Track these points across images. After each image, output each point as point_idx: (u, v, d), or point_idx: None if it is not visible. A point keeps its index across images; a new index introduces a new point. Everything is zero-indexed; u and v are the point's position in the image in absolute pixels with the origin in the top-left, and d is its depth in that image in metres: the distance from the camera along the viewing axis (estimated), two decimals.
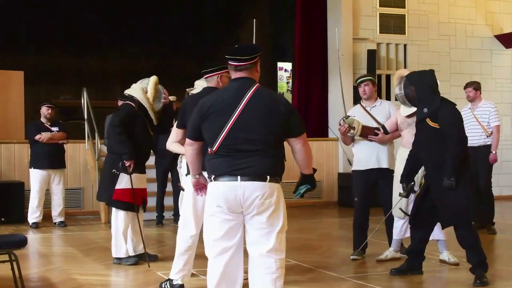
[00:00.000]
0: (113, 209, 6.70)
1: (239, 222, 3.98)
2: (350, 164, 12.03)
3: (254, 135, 3.88)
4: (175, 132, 5.55)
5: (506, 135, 12.89)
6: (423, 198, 5.86)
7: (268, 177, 3.89)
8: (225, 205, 3.93)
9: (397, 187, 6.24)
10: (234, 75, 4.06)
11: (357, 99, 12.43)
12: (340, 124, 6.62)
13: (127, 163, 6.46)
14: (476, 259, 5.70)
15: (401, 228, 6.56)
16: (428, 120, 5.68)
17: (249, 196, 3.88)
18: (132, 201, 6.55)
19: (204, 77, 5.60)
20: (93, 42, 14.47)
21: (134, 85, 6.76)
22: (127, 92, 6.78)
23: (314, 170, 4.15)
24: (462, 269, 6.34)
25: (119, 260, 6.68)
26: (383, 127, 6.63)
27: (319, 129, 12.81)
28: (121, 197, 6.56)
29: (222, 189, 3.92)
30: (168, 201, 9.91)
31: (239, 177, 3.87)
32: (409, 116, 6.38)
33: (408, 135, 6.42)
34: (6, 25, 13.48)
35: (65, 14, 13.90)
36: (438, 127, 5.62)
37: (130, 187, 6.52)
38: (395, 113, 6.71)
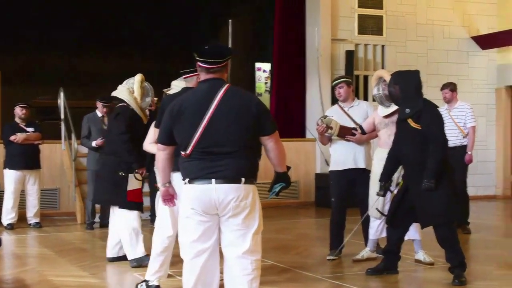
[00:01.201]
0: (123, 211, 6.54)
1: (215, 223, 3.96)
2: (328, 164, 12.09)
3: (227, 136, 3.86)
4: (153, 132, 5.51)
5: (482, 136, 13.00)
6: (401, 198, 5.88)
7: (243, 179, 3.88)
8: (200, 208, 3.91)
9: (374, 187, 6.26)
10: (204, 76, 4.03)
11: (335, 100, 12.46)
12: (318, 124, 6.63)
13: (139, 171, 6.42)
14: (455, 259, 5.73)
15: (377, 228, 6.59)
16: (410, 121, 5.70)
17: (224, 199, 3.87)
18: (142, 201, 6.67)
19: (183, 77, 5.56)
20: (71, 42, 14.36)
21: (120, 87, 6.68)
22: (114, 94, 6.71)
23: (288, 168, 4.14)
24: (437, 268, 6.38)
25: (139, 261, 6.47)
26: (361, 127, 6.65)
27: (297, 130, 12.82)
28: (134, 198, 6.54)
29: (197, 192, 3.90)
30: (145, 201, 9.83)
31: (213, 180, 3.85)
32: (386, 116, 6.40)
33: (385, 136, 6.44)
34: None
35: (42, 13, 13.78)
36: (420, 128, 5.64)
37: (140, 187, 6.58)
38: (372, 113, 6.73)
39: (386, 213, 6.20)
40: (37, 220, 9.66)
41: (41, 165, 9.83)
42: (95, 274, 6.38)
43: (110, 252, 6.81)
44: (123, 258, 6.65)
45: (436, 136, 5.63)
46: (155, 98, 8.30)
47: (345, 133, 6.65)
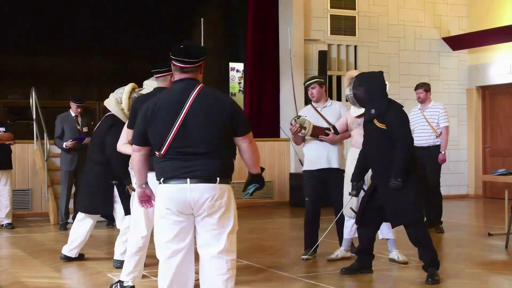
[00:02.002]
0: (129, 216, 6.27)
1: (190, 223, 3.97)
2: (302, 164, 12.14)
3: (201, 137, 3.86)
4: (126, 133, 5.47)
5: (453, 136, 13.14)
6: (370, 198, 5.93)
7: (218, 178, 3.88)
8: (175, 207, 3.91)
9: (348, 187, 6.31)
10: (179, 76, 4.02)
11: (308, 100, 12.51)
12: (291, 124, 6.65)
13: (130, 186, 6.24)
14: (427, 257, 5.79)
15: (351, 227, 6.63)
16: (375, 121, 5.76)
17: (199, 199, 3.87)
18: None
19: (155, 76, 5.51)
20: (43, 41, 14.24)
21: (110, 96, 6.57)
22: (104, 103, 6.61)
23: (262, 169, 4.16)
24: (411, 267, 6.44)
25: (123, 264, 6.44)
26: (334, 127, 6.69)
27: (271, 130, 12.85)
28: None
29: (171, 191, 3.90)
30: None
31: (188, 179, 3.85)
32: (358, 116, 6.45)
33: (357, 135, 6.49)
34: None
35: (16, 13, 13.63)
36: (385, 128, 5.70)
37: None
38: (345, 113, 6.78)
39: None
40: (9, 221, 9.56)
41: (12, 166, 9.72)
42: (68, 275, 6.33)
43: (70, 252, 6.88)
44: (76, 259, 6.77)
45: (401, 135, 5.68)
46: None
47: (318, 133, 6.69)
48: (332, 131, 6.66)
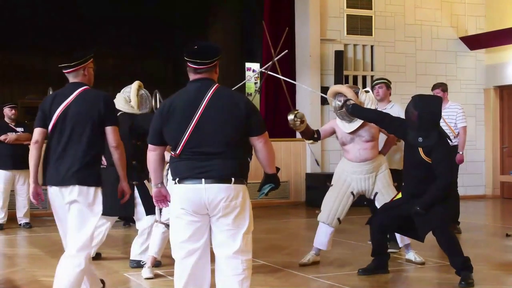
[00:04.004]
0: (150, 217, 6.43)
1: (205, 223, 3.97)
2: (318, 164, 12.17)
3: (216, 137, 3.87)
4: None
5: (471, 136, 13.03)
6: (395, 207, 5.87)
7: (233, 179, 3.88)
8: (190, 208, 3.91)
9: (332, 192, 6.45)
10: (193, 76, 4.01)
11: (324, 100, 12.51)
12: (293, 120, 6.42)
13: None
14: (457, 263, 5.70)
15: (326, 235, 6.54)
16: (420, 150, 5.65)
17: (214, 199, 3.87)
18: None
19: (64, 72, 4.83)
20: (59, 42, 14.30)
21: (117, 95, 6.61)
22: None
23: (278, 169, 4.16)
24: (428, 268, 6.41)
25: (140, 264, 6.40)
26: (318, 131, 6.62)
27: (287, 130, 12.77)
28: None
29: (187, 191, 3.91)
30: None
31: (203, 180, 3.85)
32: (351, 132, 6.42)
33: (354, 150, 6.45)
34: None
35: (32, 13, 13.72)
36: (430, 162, 5.61)
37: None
38: (331, 122, 6.74)
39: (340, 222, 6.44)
40: (27, 220, 9.63)
41: None
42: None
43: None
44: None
45: (445, 174, 5.59)
46: None
47: (308, 131, 6.55)
48: (316, 135, 6.59)
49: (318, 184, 11.28)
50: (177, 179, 3.95)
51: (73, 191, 4.58)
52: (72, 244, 4.62)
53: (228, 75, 15.10)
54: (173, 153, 3.95)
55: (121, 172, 4.84)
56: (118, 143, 4.66)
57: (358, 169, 6.44)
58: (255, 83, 15.15)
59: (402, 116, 6.67)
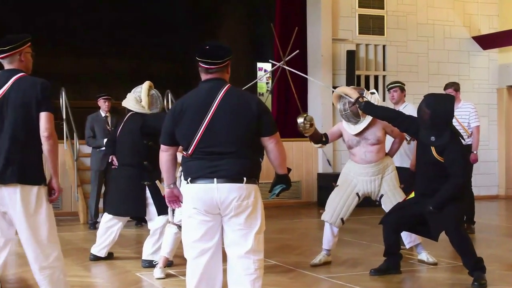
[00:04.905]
0: (162, 217, 6.46)
1: (217, 223, 3.97)
2: (330, 164, 12.15)
3: (227, 136, 3.87)
4: None
5: (484, 136, 12.96)
6: (408, 206, 5.84)
7: (244, 178, 3.89)
8: (202, 207, 3.92)
9: (338, 193, 6.50)
10: (205, 76, 4.02)
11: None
12: (303, 123, 6.43)
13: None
14: (469, 264, 5.66)
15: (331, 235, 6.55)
16: (433, 149, 5.62)
17: (226, 198, 3.88)
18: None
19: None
20: (72, 42, 14.37)
21: (128, 95, 6.65)
22: (123, 103, 6.68)
23: (289, 170, 4.16)
24: (440, 269, 6.38)
25: (151, 264, 6.43)
26: (325, 135, 6.62)
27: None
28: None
29: (199, 191, 3.91)
30: None
31: (215, 179, 3.86)
32: (357, 134, 6.42)
33: (360, 153, 6.46)
34: None
35: (43, 13, 13.79)
36: (442, 161, 5.58)
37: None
38: (338, 125, 6.74)
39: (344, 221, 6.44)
40: None
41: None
42: (97, 274, 6.38)
43: (99, 252, 6.89)
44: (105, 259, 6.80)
45: (458, 174, 5.56)
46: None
47: (315, 138, 6.55)
48: (324, 139, 6.59)
49: (330, 184, 11.21)
50: (189, 179, 3.96)
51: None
52: None
53: (239, 75, 15.12)
54: (185, 153, 3.95)
55: (52, 168, 4.23)
56: (50, 133, 4.18)
57: (364, 171, 6.44)
58: (267, 83, 15.15)
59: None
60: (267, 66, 14.99)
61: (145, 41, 14.91)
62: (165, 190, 4.20)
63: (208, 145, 3.89)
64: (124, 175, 6.65)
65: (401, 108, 7.23)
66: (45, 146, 4.19)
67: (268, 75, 13.98)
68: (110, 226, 6.82)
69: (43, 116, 4.17)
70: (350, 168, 6.57)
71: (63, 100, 10.90)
